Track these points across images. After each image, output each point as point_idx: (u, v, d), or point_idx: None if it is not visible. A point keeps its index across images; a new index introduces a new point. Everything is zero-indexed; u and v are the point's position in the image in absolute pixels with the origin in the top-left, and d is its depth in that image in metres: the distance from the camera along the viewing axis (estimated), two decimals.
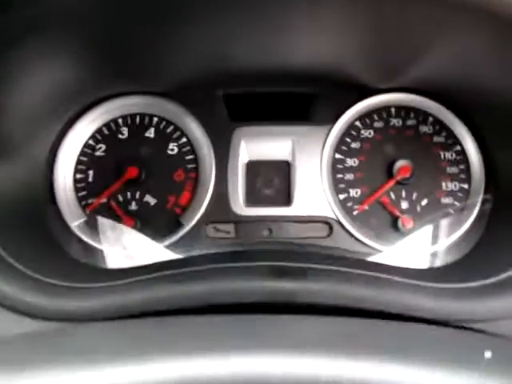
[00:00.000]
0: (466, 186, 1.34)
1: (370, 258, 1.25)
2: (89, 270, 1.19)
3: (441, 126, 1.37)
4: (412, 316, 0.86)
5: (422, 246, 1.30)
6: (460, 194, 1.33)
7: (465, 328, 0.87)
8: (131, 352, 0.69)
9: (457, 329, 0.86)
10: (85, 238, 1.31)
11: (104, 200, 1.34)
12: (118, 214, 1.33)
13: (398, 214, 1.32)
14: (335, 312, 0.84)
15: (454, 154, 1.35)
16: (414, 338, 0.79)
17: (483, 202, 1.30)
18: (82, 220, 1.33)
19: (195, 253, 1.27)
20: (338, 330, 0.79)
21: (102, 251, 1.29)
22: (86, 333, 0.81)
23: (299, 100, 1.37)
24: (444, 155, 1.35)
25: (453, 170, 1.34)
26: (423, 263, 1.28)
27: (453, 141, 1.36)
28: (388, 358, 0.68)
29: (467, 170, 1.34)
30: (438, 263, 1.26)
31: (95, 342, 0.77)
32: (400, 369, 0.67)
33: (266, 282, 0.89)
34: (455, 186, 1.34)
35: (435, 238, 1.30)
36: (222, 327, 0.78)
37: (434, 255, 1.29)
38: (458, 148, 1.35)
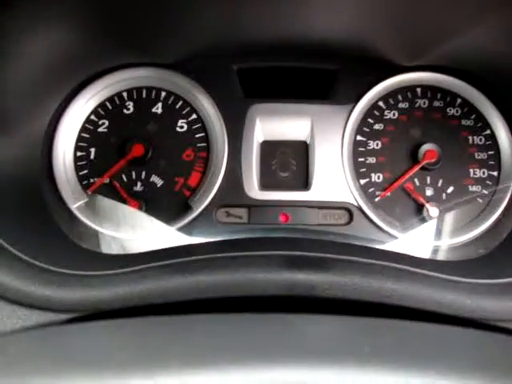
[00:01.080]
0: (495, 173, 1.27)
1: (393, 249, 1.18)
2: (91, 256, 1.13)
3: (470, 109, 1.30)
4: (442, 313, 0.80)
5: (447, 236, 1.24)
6: (488, 182, 1.27)
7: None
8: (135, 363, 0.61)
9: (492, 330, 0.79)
10: (86, 220, 1.23)
11: (107, 180, 1.27)
12: (122, 195, 1.25)
13: (422, 201, 1.25)
14: (355, 307, 0.79)
15: (483, 139, 1.28)
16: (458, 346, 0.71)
17: None
18: (83, 201, 1.25)
19: (205, 239, 1.21)
20: (373, 337, 0.70)
21: (104, 235, 1.22)
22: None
23: (319, 77, 1.29)
24: (472, 140, 1.28)
25: (481, 155, 1.28)
26: (449, 255, 1.22)
27: (482, 124, 1.29)
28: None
29: (497, 156, 1.27)
30: (466, 256, 1.19)
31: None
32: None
33: (283, 273, 0.83)
34: (483, 173, 1.27)
35: (461, 228, 1.24)
36: (229, 330, 0.70)
37: (460, 247, 1.23)
38: (488, 132, 1.28)
